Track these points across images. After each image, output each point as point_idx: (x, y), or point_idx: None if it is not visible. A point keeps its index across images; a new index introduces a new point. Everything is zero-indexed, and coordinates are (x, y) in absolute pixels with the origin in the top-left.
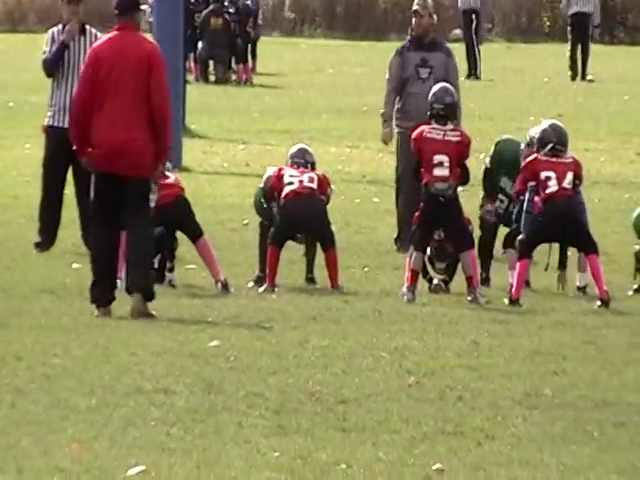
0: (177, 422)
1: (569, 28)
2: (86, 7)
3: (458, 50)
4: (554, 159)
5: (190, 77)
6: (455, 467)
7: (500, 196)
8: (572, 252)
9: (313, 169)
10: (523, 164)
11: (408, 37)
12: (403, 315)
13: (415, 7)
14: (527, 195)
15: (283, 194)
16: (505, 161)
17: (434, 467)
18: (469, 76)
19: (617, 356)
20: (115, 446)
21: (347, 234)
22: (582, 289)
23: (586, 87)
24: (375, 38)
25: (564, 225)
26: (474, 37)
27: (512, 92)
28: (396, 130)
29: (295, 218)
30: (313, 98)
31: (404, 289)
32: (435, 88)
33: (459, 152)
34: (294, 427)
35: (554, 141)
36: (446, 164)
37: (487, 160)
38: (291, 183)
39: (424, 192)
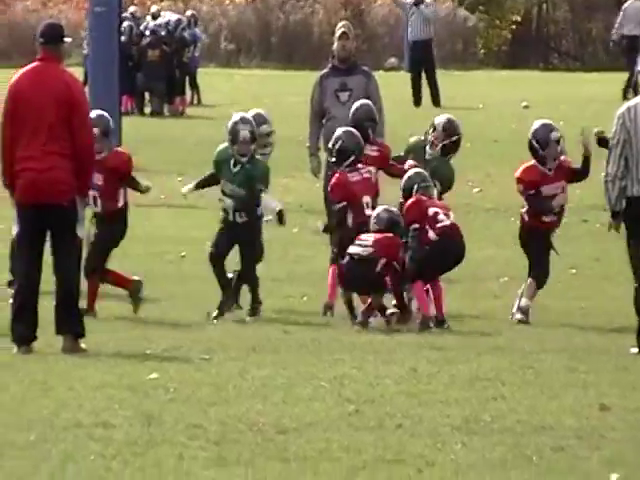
0: (117, 456)
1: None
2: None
3: (394, 77)
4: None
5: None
6: None
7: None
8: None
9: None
10: (407, 205)
11: (330, 64)
12: (342, 344)
13: (342, 29)
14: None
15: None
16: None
17: None
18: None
19: (555, 380)
20: None
21: (285, 263)
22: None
23: (521, 113)
24: (310, 67)
25: (455, 262)
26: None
27: None
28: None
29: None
30: None
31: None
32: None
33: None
34: (234, 458)
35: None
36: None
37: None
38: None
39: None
